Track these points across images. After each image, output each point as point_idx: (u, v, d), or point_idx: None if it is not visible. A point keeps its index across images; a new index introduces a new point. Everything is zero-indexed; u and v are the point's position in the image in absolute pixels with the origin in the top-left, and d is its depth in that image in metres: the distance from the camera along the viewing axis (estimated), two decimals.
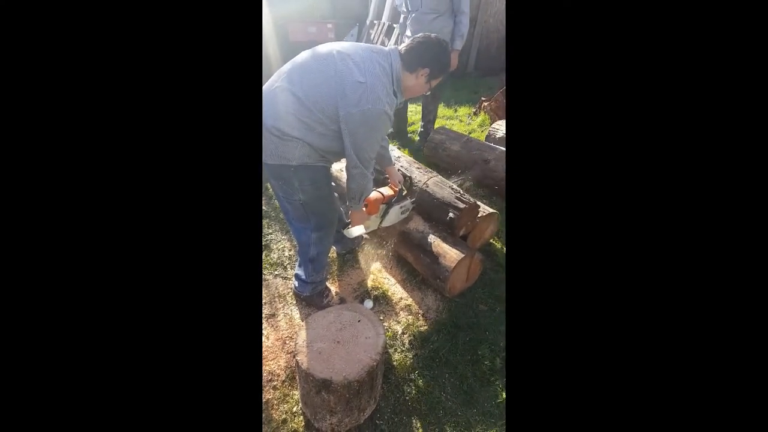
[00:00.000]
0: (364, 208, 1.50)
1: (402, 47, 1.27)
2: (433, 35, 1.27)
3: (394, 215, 1.72)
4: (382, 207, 1.64)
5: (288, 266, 1.89)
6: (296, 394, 1.34)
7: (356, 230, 1.65)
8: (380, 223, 1.68)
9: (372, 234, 1.87)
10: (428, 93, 1.45)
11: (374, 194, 1.60)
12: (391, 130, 3.26)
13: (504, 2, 5.11)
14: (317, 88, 1.16)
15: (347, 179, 1.32)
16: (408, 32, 2.67)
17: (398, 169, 1.72)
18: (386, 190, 1.66)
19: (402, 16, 2.75)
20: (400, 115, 3.18)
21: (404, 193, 1.75)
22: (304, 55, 1.24)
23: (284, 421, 1.28)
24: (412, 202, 1.87)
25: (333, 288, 1.79)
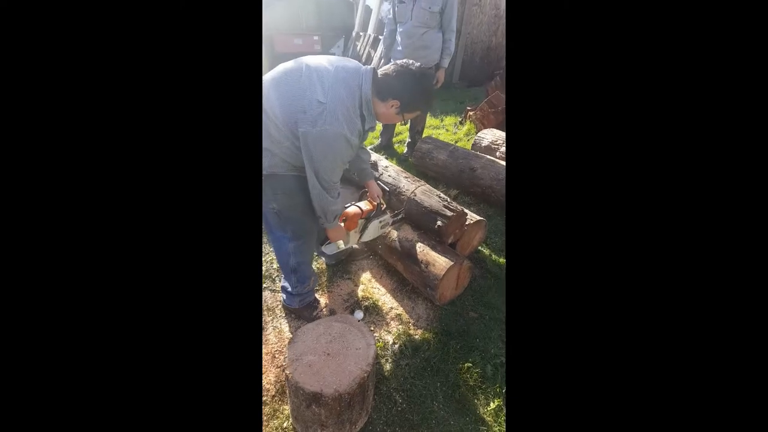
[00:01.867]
0: (341, 224, 1.47)
1: (381, 69, 1.22)
2: (415, 66, 1.20)
3: (373, 230, 1.68)
4: (361, 222, 1.61)
5: (276, 279, 1.87)
6: (286, 409, 1.31)
7: (332, 247, 1.61)
8: (359, 238, 1.65)
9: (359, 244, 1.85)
10: (404, 123, 1.41)
11: (352, 209, 1.56)
12: (379, 141, 3.29)
13: (487, 14, 5.25)
14: (281, 104, 1.16)
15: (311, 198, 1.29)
16: (398, 46, 2.67)
17: (378, 183, 1.68)
18: (365, 205, 1.62)
19: (387, 28, 2.74)
20: (388, 126, 3.20)
21: (383, 207, 1.71)
22: (280, 68, 1.23)
23: None
24: (397, 214, 1.87)
25: (322, 300, 1.77)
